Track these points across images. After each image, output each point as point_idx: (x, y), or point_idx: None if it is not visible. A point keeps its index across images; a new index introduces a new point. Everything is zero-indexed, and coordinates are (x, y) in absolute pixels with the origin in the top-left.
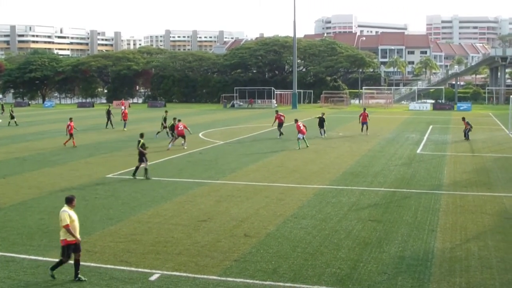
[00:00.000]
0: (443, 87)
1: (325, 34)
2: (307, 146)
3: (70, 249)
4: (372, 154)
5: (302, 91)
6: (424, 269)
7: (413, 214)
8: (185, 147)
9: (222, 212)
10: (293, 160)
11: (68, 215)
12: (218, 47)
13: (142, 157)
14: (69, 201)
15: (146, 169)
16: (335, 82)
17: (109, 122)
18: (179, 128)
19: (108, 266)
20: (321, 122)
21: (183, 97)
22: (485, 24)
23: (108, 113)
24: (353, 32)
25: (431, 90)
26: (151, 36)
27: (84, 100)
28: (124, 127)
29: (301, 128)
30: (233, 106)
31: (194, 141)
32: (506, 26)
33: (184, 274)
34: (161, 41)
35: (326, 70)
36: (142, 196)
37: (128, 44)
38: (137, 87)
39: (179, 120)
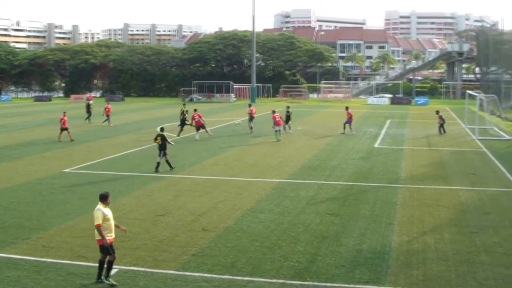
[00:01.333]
0: (401, 81)
1: (284, 29)
2: (279, 140)
3: (110, 246)
4: (330, 148)
5: (260, 85)
6: (381, 262)
7: (370, 208)
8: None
9: (180, 206)
10: (252, 154)
11: (102, 213)
12: (177, 41)
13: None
14: (104, 198)
15: (167, 161)
16: (293, 76)
17: (89, 116)
18: (196, 119)
19: (66, 261)
20: (288, 116)
21: (141, 91)
22: (442, 20)
23: (88, 106)
24: (312, 26)
25: (389, 85)
26: (109, 30)
27: (41, 94)
28: (110, 122)
29: (277, 119)
30: (191, 100)
31: (151, 136)
32: (463, 22)
33: (142, 269)
34: (119, 34)
35: (285, 64)
36: (100, 191)
37: (86, 37)
38: (95, 81)
39: (195, 110)
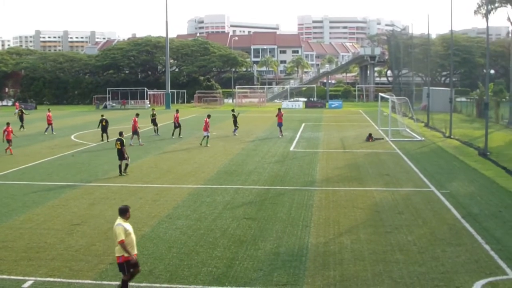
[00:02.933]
0: (315, 85)
1: (198, 34)
2: (203, 144)
3: (130, 265)
4: (245, 153)
5: (175, 91)
6: (299, 264)
7: (287, 211)
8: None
9: (96, 215)
10: (167, 161)
11: (123, 228)
12: (89, 48)
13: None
14: (123, 212)
15: (127, 165)
16: (208, 81)
17: (22, 124)
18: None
19: None
20: (235, 119)
21: (54, 98)
22: (355, 24)
23: (21, 115)
24: (226, 32)
25: (303, 89)
26: (20, 37)
27: None
28: (52, 131)
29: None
30: (105, 107)
31: (66, 144)
32: (374, 26)
33: (58, 280)
34: (31, 41)
35: (199, 69)
36: (13, 202)
37: None
38: (6, 89)
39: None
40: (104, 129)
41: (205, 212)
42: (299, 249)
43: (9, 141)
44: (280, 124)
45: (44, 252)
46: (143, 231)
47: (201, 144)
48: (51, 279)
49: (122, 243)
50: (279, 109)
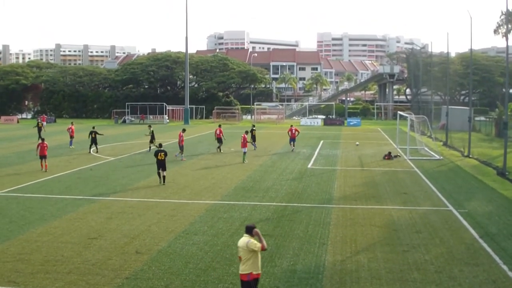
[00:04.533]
0: (333, 102)
1: (218, 50)
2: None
3: (257, 283)
4: (263, 169)
5: (194, 106)
6: (315, 281)
7: (304, 228)
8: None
9: (113, 229)
10: (184, 176)
11: (254, 243)
12: (109, 62)
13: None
14: (250, 230)
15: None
16: (227, 97)
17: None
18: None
19: None
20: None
21: (73, 112)
22: (374, 42)
23: (39, 128)
24: (245, 48)
25: (322, 106)
26: (41, 50)
27: None
28: (71, 144)
29: (245, 141)
30: (124, 121)
31: (84, 158)
32: (394, 44)
33: None
34: (51, 55)
35: (218, 85)
36: (30, 214)
37: (17, 57)
38: (26, 102)
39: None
40: (94, 141)
41: (222, 228)
42: (316, 267)
43: (43, 157)
44: (292, 140)
45: (61, 265)
46: (160, 246)
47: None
48: None
49: (264, 247)
50: (291, 125)
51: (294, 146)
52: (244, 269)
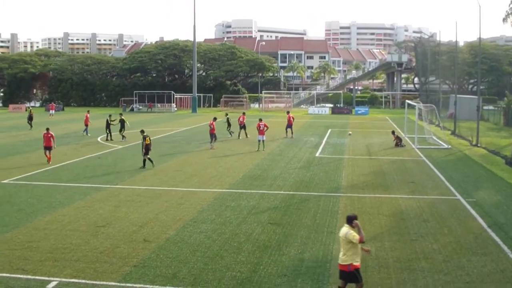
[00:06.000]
0: (341, 91)
1: (225, 39)
2: (260, 149)
3: (359, 273)
4: (271, 158)
5: (202, 95)
6: (323, 270)
7: (312, 217)
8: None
9: (121, 217)
10: (192, 164)
11: (353, 234)
12: (117, 51)
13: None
14: (350, 220)
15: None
16: (235, 86)
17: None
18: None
19: (4, 274)
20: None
21: (81, 100)
22: (382, 31)
23: (30, 116)
24: (253, 36)
25: (330, 95)
26: (49, 39)
27: None
28: (86, 132)
29: (261, 128)
30: (132, 110)
31: (92, 146)
32: (402, 33)
33: (83, 281)
34: (59, 43)
35: (226, 74)
36: (38, 202)
37: (25, 46)
38: (35, 90)
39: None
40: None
41: (230, 217)
42: (324, 256)
43: (48, 148)
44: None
45: (69, 253)
46: (167, 234)
47: (258, 149)
48: (76, 280)
49: (362, 239)
50: (288, 112)
51: (287, 133)
52: (344, 260)
